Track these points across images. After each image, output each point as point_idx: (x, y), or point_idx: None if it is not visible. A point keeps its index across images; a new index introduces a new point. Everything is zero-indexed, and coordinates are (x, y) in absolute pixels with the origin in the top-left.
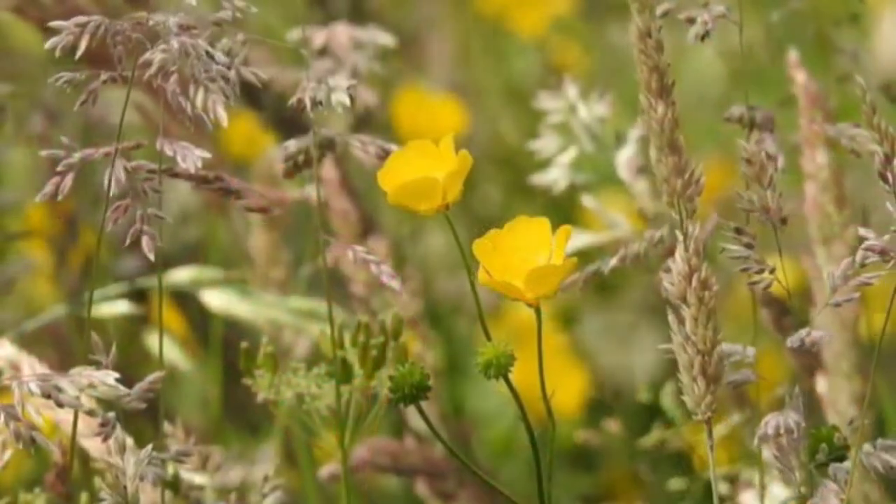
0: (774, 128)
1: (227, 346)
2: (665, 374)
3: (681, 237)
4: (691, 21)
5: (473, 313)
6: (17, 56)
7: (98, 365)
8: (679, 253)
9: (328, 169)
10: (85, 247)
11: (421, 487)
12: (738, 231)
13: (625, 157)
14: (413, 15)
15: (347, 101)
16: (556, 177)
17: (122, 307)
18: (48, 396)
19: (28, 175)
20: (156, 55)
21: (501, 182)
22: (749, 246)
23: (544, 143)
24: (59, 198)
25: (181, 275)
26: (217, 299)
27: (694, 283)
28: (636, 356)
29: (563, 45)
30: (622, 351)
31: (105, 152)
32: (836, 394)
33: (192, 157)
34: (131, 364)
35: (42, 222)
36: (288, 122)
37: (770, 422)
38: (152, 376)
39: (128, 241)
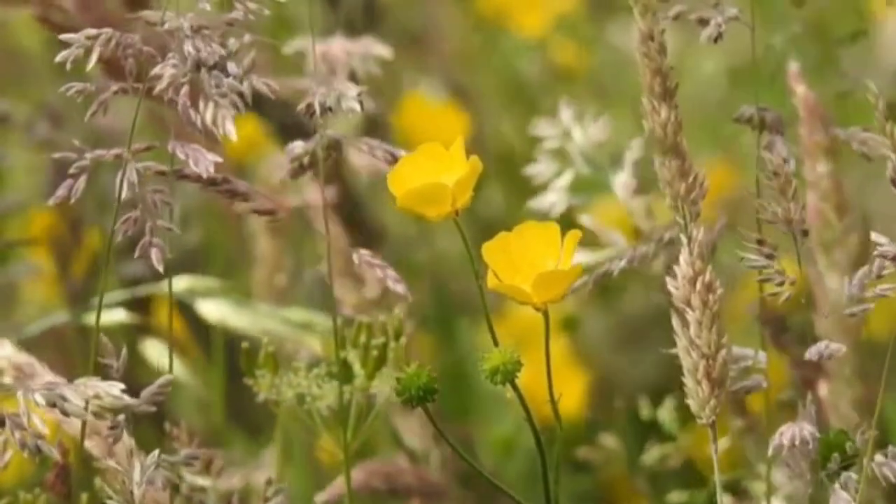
0: (784, 130)
1: (230, 348)
2: (667, 377)
3: (685, 240)
4: (702, 22)
5: (478, 311)
6: (23, 59)
7: (105, 373)
8: (683, 256)
9: (316, 194)
10: (89, 250)
11: None
12: (760, 242)
13: (621, 180)
14: (419, 15)
15: (357, 108)
16: (553, 200)
17: (119, 315)
18: (53, 405)
19: (31, 178)
20: (166, 70)
21: (503, 182)
22: (770, 257)
23: (540, 168)
24: (72, 200)
25: (178, 284)
26: (213, 310)
27: (698, 286)
28: (637, 358)
29: (564, 45)
30: (624, 353)
31: (116, 154)
32: (838, 398)
33: (203, 161)
34: (131, 370)
35: (46, 225)
36: (291, 126)
37: (786, 433)
38: (161, 380)
39: (137, 254)
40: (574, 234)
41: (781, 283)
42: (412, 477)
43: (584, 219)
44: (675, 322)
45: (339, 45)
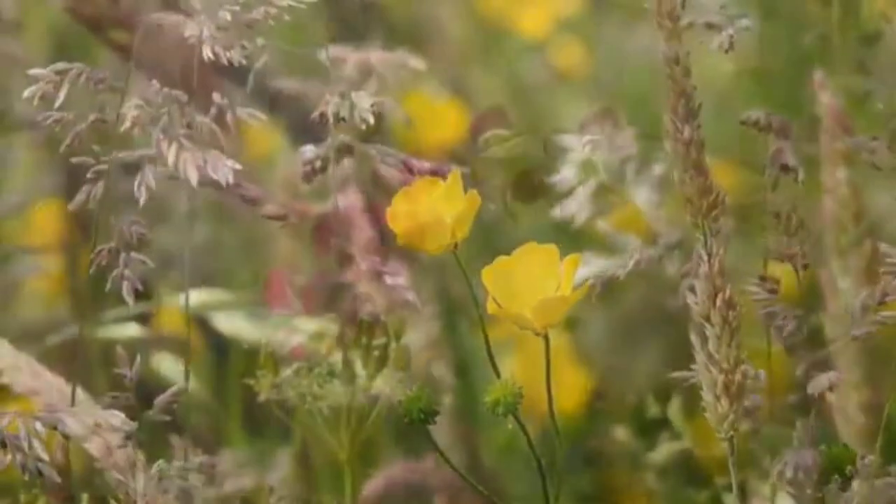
0: (792, 135)
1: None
2: (666, 375)
3: (705, 257)
4: (711, 27)
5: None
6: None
7: (117, 382)
8: (703, 272)
9: (351, 195)
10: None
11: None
12: (762, 279)
13: (645, 196)
14: (419, 14)
15: (371, 119)
16: (575, 209)
17: (131, 330)
18: (54, 428)
19: (35, 176)
20: (129, 111)
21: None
22: (773, 291)
23: (563, 176)
24: (91, 205)
25: (190, 297)
26: (226, 323)
27: (718, 302)
28: (637, 357)
29: (565, 45)
30: (623, 352)
31: (139, 156)
32: (845, 401)
33: (223, 170)
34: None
35: (49, 224)
36: (305, 127)
37: (789, 462)
38: (174, 388)
39: (108, 286)
40: (574, 259)
41: (785, 318)
42: (439, 476)
43: (600, 224)
44: (694, 338)
45: (375, 55)
